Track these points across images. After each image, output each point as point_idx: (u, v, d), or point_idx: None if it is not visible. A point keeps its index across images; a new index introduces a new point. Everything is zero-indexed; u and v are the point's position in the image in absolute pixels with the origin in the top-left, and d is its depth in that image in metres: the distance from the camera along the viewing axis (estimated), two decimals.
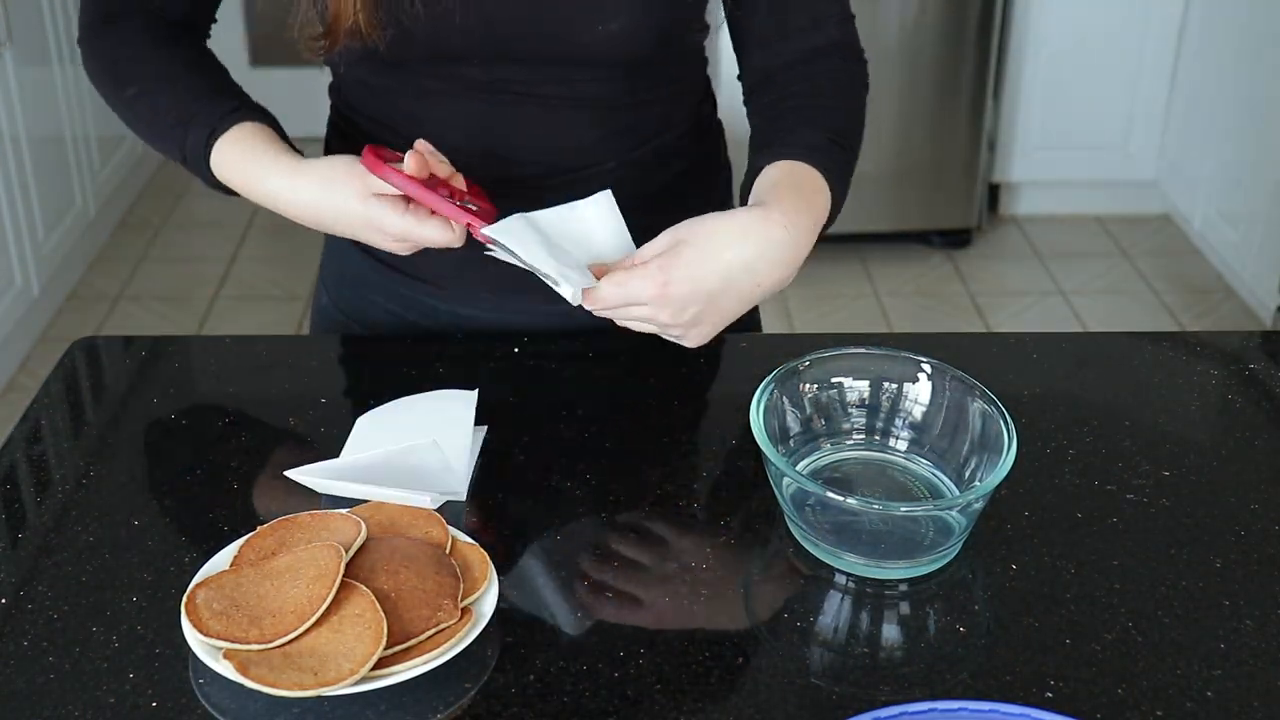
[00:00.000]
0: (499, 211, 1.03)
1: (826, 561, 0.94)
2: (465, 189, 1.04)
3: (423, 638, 0.83)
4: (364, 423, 1.06)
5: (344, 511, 0.92)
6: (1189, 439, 1.09)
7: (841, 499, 0.91)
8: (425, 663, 0.82)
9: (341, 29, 1.04)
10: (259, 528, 0.91)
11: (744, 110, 1.20)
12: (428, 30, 1.06)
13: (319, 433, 1.08)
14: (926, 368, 1.02)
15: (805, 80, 1.14)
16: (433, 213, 1.01)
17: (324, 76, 1.22)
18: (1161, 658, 0.86)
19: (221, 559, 0.90)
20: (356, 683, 0.79)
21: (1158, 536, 0.97)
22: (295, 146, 1.11)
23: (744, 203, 1.07)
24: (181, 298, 3.31)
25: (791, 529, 0.96)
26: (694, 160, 1.27)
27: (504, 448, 1.05)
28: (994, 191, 3.67)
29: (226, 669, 0.80)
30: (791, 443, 1.01)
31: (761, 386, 0.98)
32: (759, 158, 1.08)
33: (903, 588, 0.93)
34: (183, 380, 1.16)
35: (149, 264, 3.46)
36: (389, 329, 1.26)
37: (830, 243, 3.49)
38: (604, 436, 1.07)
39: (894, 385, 1.03)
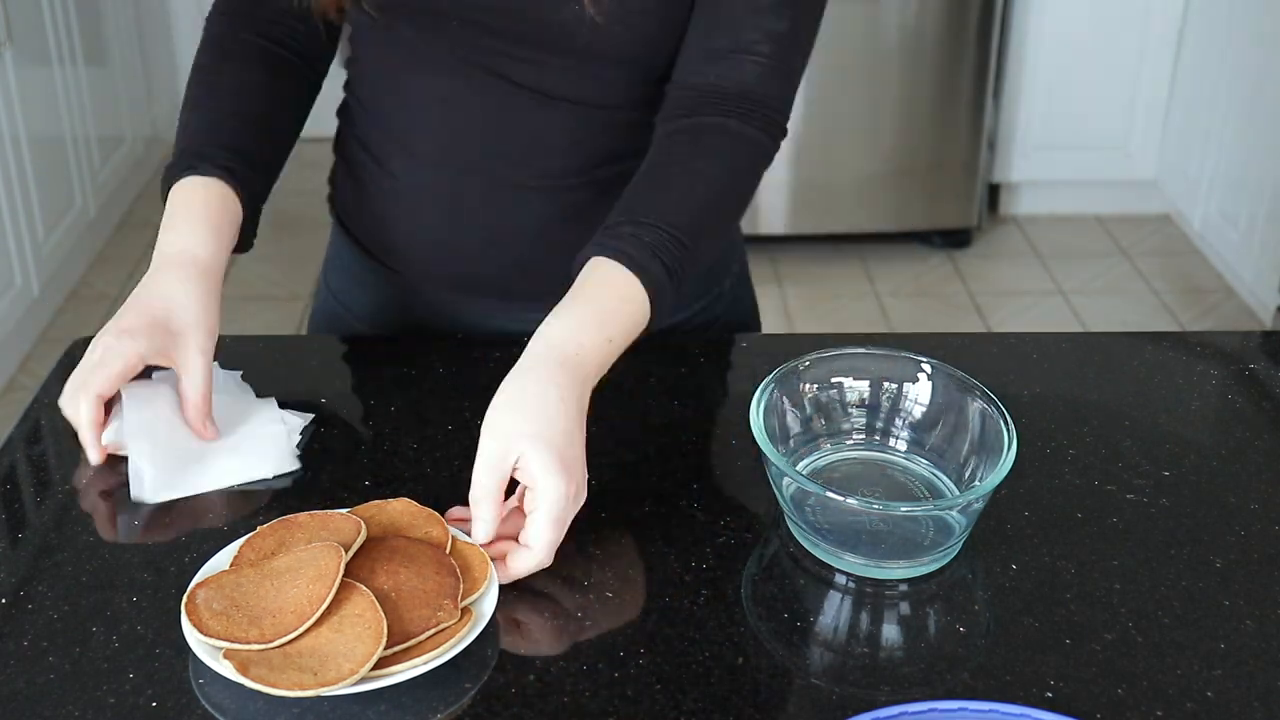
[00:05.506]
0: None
1: (826, 561, 0.94)
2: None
3: (423, 638, 0.83)
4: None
5: (344, 511, 0.92)
6: (1189, 439, 1.09)
7: (841, 499, 0.91)
8: (425, 663, 0.82)
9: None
10: (259, 528, 0.91)
11: None
12: None
13: (319, 432, 1.08)
14: (926, 368, 1.02)
15: (688, 144, 1.05)
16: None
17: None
18: (1161, 658, 0.86)
19: (221, 559, 0.90)
20: (356, 683, 0.79)
21: (1158, 536, 0.97)
22: (254, 215, 1.16)
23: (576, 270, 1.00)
24: None
25: (791, 529, 0.96)
26: None
27: None
28: (994, 191, 3.67)
29: (226, 669, 0.80)
30: (791, 443, 1.01)
31: (761, 386, 0.98)
32: (600, 234, 1.01)
33: (903, 588, 0.93)
34: None
35: (149, 264, 3.45)
36: (382, 322, 1.27)
37: (830, 243, 3.50)
38: (604, 436, 1.07)
39: (894, 385, 1.03)
